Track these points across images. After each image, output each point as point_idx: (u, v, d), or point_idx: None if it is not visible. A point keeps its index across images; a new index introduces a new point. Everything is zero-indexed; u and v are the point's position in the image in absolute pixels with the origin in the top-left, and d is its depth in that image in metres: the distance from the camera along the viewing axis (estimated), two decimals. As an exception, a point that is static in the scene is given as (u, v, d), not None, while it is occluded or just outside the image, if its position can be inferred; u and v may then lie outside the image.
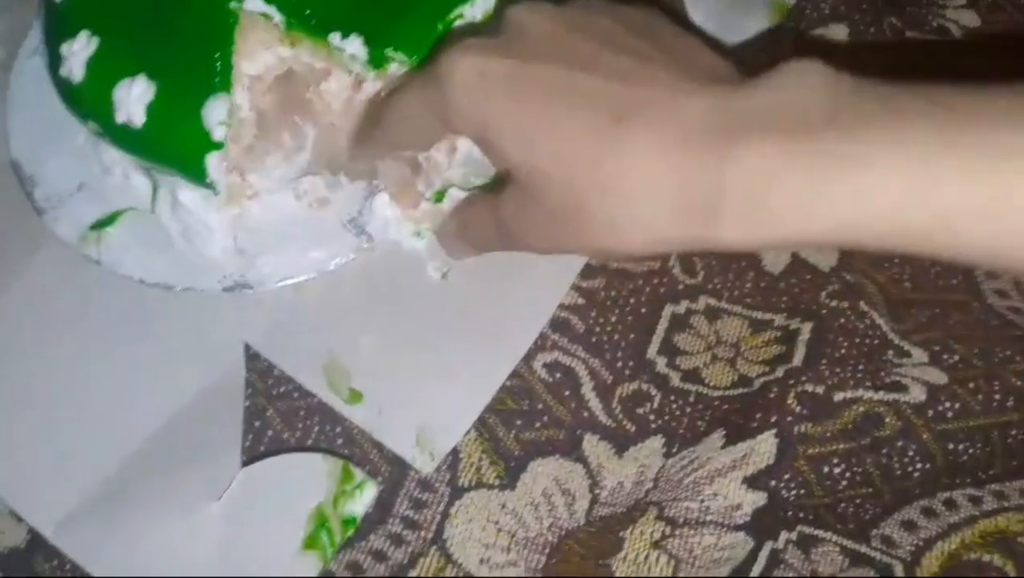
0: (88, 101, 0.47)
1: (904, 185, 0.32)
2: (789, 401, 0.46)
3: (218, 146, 0.45)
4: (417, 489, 0.45)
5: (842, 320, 0.48)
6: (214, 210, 0.48)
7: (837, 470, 0.45)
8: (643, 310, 0.49)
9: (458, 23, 0.47)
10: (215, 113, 0.45)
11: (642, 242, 0.37)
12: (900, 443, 0.45)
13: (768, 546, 0.44)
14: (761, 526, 0.44)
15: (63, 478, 0.45)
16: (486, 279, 0.49)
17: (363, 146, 0.48)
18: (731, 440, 0.45)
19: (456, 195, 0.50)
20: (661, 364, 0.48)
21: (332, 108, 0.49)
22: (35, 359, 0.48)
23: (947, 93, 0.33)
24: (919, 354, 0.47)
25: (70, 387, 0.47)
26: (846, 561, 0.43)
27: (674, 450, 0.46)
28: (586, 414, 0.47)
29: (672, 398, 0.47)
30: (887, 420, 0.45)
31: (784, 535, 0.44)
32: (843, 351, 0.47)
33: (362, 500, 0.45)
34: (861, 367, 0.47)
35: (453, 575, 0.43)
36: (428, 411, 0.46)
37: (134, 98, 0.45)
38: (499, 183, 0.41)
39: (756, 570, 0.43)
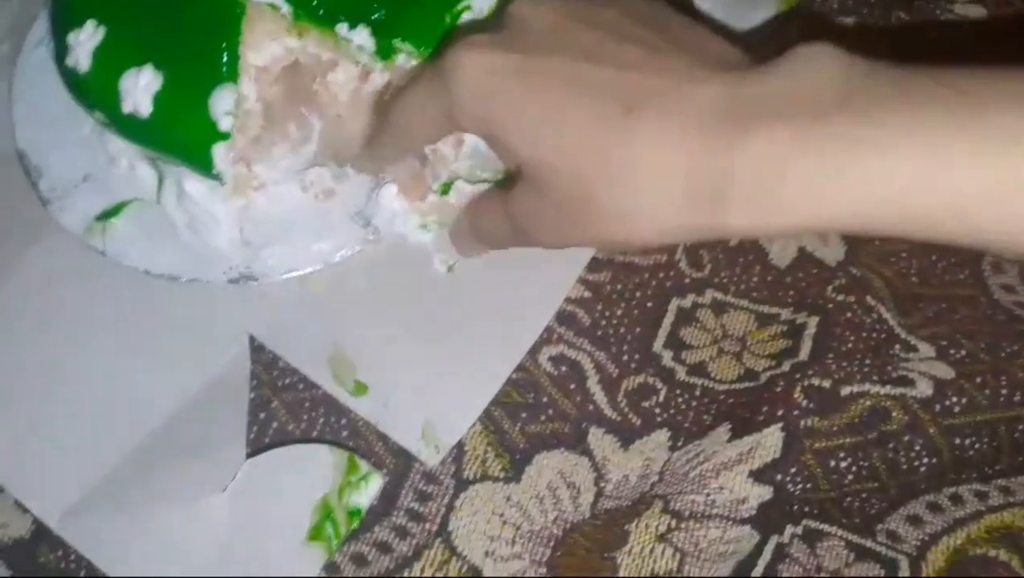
0: (94, 91, 0.47)
1: (915, 170, 0.32)
2: (795, 395, 0.46)
3: (224, 136, 0.45)
4: (422, 481, 0.45)
5: (849, 314, 0.48)
6: (220, 201, 0.48)
7: (843, 464, 0.45)
8: (649, 304, 0.49)
9: (465, 16, 0.47)
10: (222, 103, 0.45)
11: (653, 232, 0.37)
12: (906, 437, 0.45)
13: (773, 540, 0.44)
14: (767, 520, 0.44)
15: (68, 469, 0.45)
16: (492, 272, 0.49)
17: (374, 146, 0.48)
18: (737, 434, 0.45)
19: (462, 188, 0.49)
20: (667, 358, 0.48)
21: (339, 99, 0.49)
22: (40, 350, 0.48)
23: (957, 76, 0.33)
24: (926, 348, 0.47)
25: (74, 378, 0.47)
26: (851, 556, 0.43)
27: (680, 444, 0.46)
28: (591, 407, 0.47)
29: (678, 392, 0.47)
30: (893, 414, 0.45)
31: (789, 529, 0.44)
32: (850, 345, 0.47)
33: (367, 492, 0.45)
34: (868, 361, 0.47)
35: (458, 567, 0.43)
36: (434, 404, 0.46)
37: (141, 88, 0.45)
38: (509, 179, 0.41)
39: (761, 564, 0.43)
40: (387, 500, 0.45)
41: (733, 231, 0.35)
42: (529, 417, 0.46)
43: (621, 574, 0.43)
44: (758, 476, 0.44)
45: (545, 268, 0.48)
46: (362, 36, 0.46)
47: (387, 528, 0.44)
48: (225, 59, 0.45)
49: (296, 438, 0.46)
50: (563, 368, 0.47)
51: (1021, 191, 0.31)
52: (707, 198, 0.35)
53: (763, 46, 0.38)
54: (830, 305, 0.49)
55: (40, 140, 0.52)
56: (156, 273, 0.49)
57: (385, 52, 0.47)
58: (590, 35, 0.38)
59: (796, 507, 0.44)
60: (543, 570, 0.43)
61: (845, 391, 0.46)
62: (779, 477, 0.44)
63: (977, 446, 0.45)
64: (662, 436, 0.46)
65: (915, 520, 0.44)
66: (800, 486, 0.45)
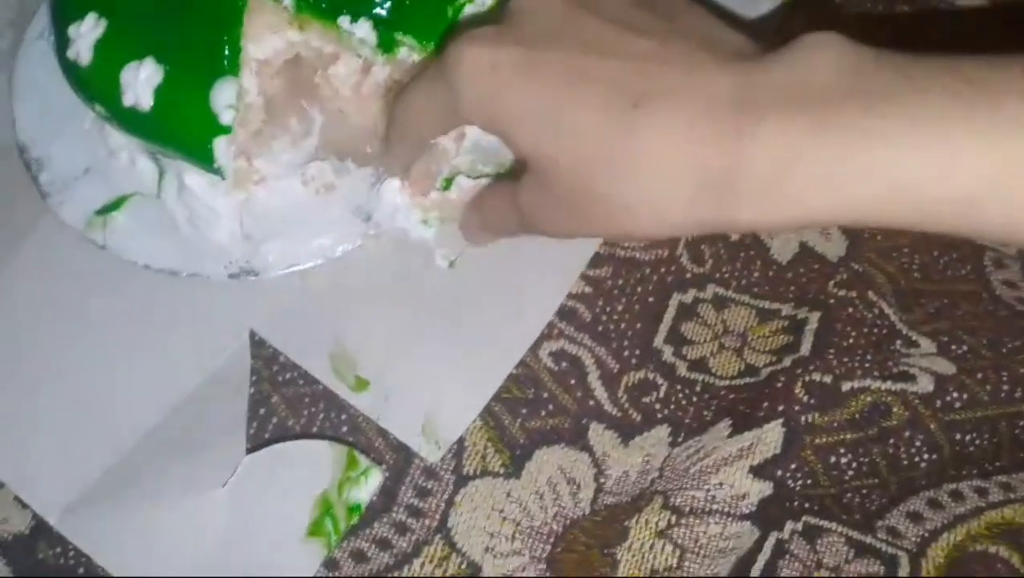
0: (95, 84, 0.47)
1: (922, 160, 0.32)
2: (796, 391, 0.46)
3: (225, 130, 0.45)
4: (422, 477, 0.45)
5: (850, 310, 0.48)
6: (221, 195, 0.48)
7: (844, 460, 0.45)
8: (650, 299, 0.49)
9: (467, 9, 0.46)
10: (223, 97, 0.45)
11: (662, 225, 0.37)
12: (907, 433, 0.45)
13: (774, 536, 0.44)
14: (767, 516, 0.44)
15: (68, 464, 0.45)
16: (494, 268, 0.49)
17: (390, 144, 0.48)
18: (737, 429, 0.45)
19: (464, 183, 0.49)
20: (668, 353, 0.48)
21: (340, 93, 0.49)
22: (39, 345, 0.48)
23: (964, 65, 0.32)
24: (927, 344, 0.47)
25: (74, 373, 0.47)
26: (851, 552, 0.43)
27: (680, 439, 0.46)
28: (592, 403, 0.47)
29: (679, 387, 0.47)
30: (894, 410, 0.45)
31: (790, 525, 0.44)
32: (851, 341, 0.47)
33: (367, 488, 0.45)
34: (869, 357, 0.46)
35: (457, 564, 0.43)
36: (434, 399, 0.46)
37: (142, 81, 0.45)
38: (517, 168, 0.41)
39: (761, 560, 0.43)
40: (387, 496, 0.45)
41: (742, 224, 0.35)
42: (529, 413, 0.46)
43: (621, 570, 0.43)
44: (758, 472, 0.44)
45: (547, 264, 0.48)
46: (364, 29, 0.46)
47: (387, 524, 0.44)
48: (226, 52, 0.45)
49: (296, 433, 0.46)
50: (564, 363, 0.47)
51: None
52: (716, 191, 0.35)
53: (770, 35, 0.38)
54: (831, 300, 0.49)
55: (41, 133, 0.52)
56: (156, 267, 0.49)
57: (387, 45, 0.46)
58: (595, 25, 0.38)
59: (796, 503, 0.44)
60: (543, 566, 0.43)
61: (846, 386, 0.46)
62: (779, 473, 0.44)
63: (978, 442, 0.45)
64: (662, 432, 0.46)
65: (915, 516, 0.44)
66: (800, 482, 0.45)
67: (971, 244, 0.50)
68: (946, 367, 0.46)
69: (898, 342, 0.47)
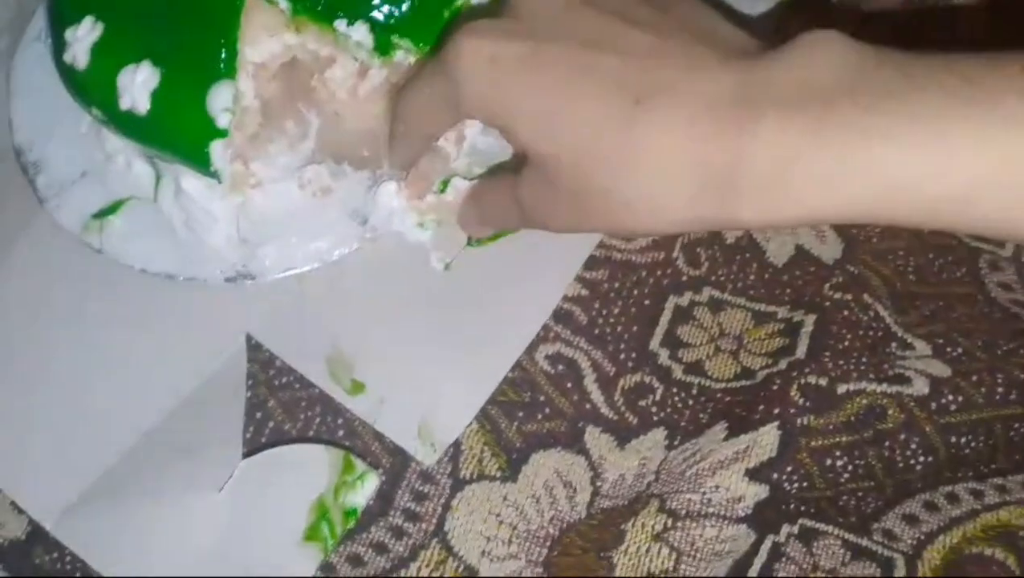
0: (92, 87, 0.47)
1: (922, 158, 0.32)
2: (792, 393, 0.46)
3: (222, 134, 0.45)
4: (418, 481, 0.45)
5: (845, 312, 0.48)
6: (217, 198, 0.48)
7: (839, 463, 0.45)
8: (646, 302, 0.49)
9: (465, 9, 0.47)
10: (219, 100, 0.45)
11: (661, 221, 0.37)
12: (903, 436, 0.45)
13: (770, 539, 0.44)
14: (763, 519, 0.44)
15: (64, 469, 0.45)
16: (489, 271, 0.49)
17: (393, 142, 0.48)
18: (733, 432, 0.45)
19: (460, 185, 0.49)
20: (664, 356, 0.48)
21: (337, 96, 0.49)
22: (35, 349, 0.48)
23: (962, 63, 0.33)
24: (922, 347, 0.47)
25: (70, 378, 0.47)
26: (847, 554, 0.43)
27: (676, 442, 0.46)
28: (588, 406, 0.47)
29: (675, 390, 0.47)
30: (890, 413, 0.45)
31: (786, 528, 0.44)
32: (846, 343, 0.47)
33: (363, 492, 0.45)
34: (864, 359, 0.47)
35: (454, 568, 0.43)
36: (430, 402, 0.46)
37: (138, 85, 0.45)
38: (517, 162, 0.41)
39: (757, 563, 0.43)
40: (383, 500, 0.45)
41: (742, 221, 0.35)
42: (526, 416, 0.46)
43: (617, 573, 0.43)
44: (754, 475, 0.44)
45: (542, 266, 0.49)
46: (360, 32, 0.46)
47: (383, 528, 0.44)
48: (223, 55, 0.45)
49: (292, 437, 0.46)
50: (560, 367, 0.47)
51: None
52: (716, 188, 0.35)
53: (769, 33, 0.38)
54: (827, 303, 0.49)
55: (37, 136, 0.52)
56: (153, 271, 0.49)
57: (384, 48, 0.46)
58: (596, 19, 0.38)
59: (792, 506, 0.44)
60: (539, 570, 0.43)
61: (841, 389, 0.46)
62: (775, 476, 0.44)
63: (973, 444, 0.45)
64: (658, 435, 0.46)
65: (911, 519, 0.44)
66: (796, 485, 0.45)
67: (966, 247, 0.50)
68: (941, 369, 0.46)
69: (893, 345, 0.47)
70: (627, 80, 0.36)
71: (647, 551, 0.43)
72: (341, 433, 0.46)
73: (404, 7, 0.46)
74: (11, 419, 0.46)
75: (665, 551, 0.43)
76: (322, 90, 0.49)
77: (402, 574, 0.43)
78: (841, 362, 0.47)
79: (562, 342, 0.48)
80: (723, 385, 0.47)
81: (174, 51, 0.45)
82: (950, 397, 0.45)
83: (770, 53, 0.36)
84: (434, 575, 0.43)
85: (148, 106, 0.45)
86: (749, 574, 0.43)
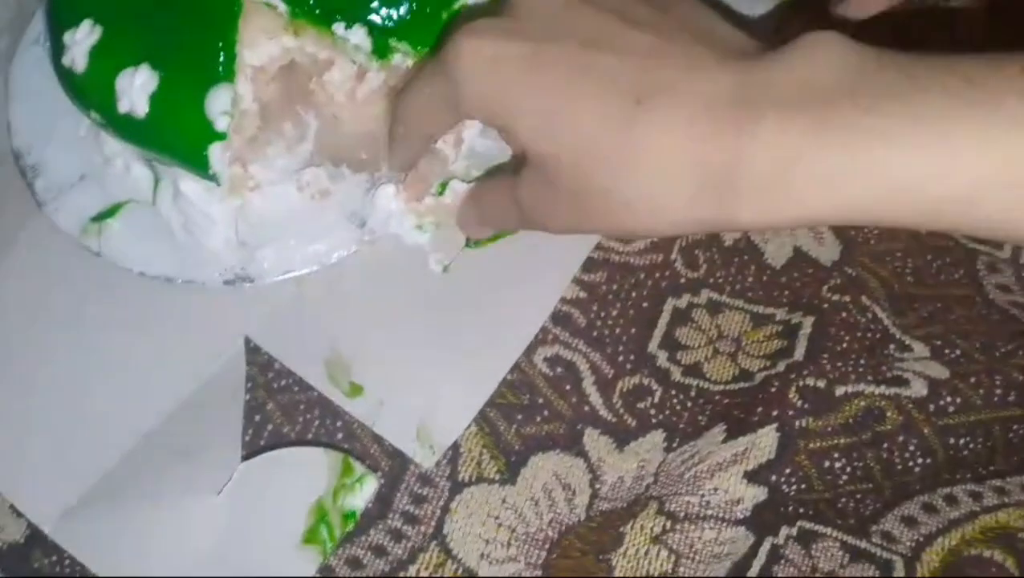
0: (90, 91, 0.46)
1: (923, 159, 0.32)
2: (790, 395, 0.46)
3: (221, 136, 0.45)
4: (417, 484, 0.45)
5: (843, 314, 0.48)
6: (216, 201, 0.48)
7: (838, 465, 0.45)
8: (644, 304, 0.49)
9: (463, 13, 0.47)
10: (218, 103, 0.45)
11: (661, 221, 0.37)
12: (901, 438, 0.45)
13: (768, 541, 0.44)
14: (761, 521, 0.44)
15: (62, 472, 0.45)
16: (488, 273, 0.49)
17: (393, 143, 0.47)
18: (732, 434, 0.45)
19: (458, 187, 0.49)
20: (662, 358, 0.48)
21: (335, 99, 0.49)
22: (34, 352, 0.48)
23: (964, 64, 0.33)
24: (920, 348, 0.47)
25: (69, 381, 0.47)
26: (846, 556, 0.43)
27: (675, 444, 0.46)
28: (587, 408, 0.47)
29: (673, 392, 0.47)
30: (888, 414, 0.45)
31: (784, 530, 0.44)
32: (844, 345, 0.47)
33: (362, 494, 0.44)
34: (862, 361, 0.47)
35: (453, 570, 0.43)
36: (429, 405, 0.46)
37: (137, 88, 0.45)
38: (516, 162, 0.41)
39: (756, 565, 0.43)
40: (382, 503, 0.45)
41: (741, 222, 0.35)
42: (524, 418, 0.46)
43: (616, 576, 0.43)
44: (753, 477, 0.44)
45: (540, 268, 0.49)
46: (359, 35, 0.46)
47: (382, 531, 0.44)
48: (222, 58, 0.45)
49: (291, 440, 0.46)
50: (558, 369, 0.47)
51: None
52: (716, 189, 0.35)
53: (769, 34, 0.38)
54: (825, 305, 0.49)
55: (36, 140, 0.52)
56: (151, 274, 0.49)
57: (382, 51, 0.46)
58: (595, 19, 0.38)
59: (791, 508, 0.44)
60: (538, 572, 0.43)
61: (840, 391, 0.46)
62: (774, 478, 0.44)
63: (972, 446, 0.45)
64: (657, 437, 0.46)
65: (910, 521, 0.44)
66: (795, 487, 0.45)
67: (964, 248, 0.50)
68: (939, 371, 0.46)
69: (891, 346, 0.47)
70: (627, 80, 0.36)
71: (646, 553, 0.43)
72: (340, 436, 0.46)
73: (402, 10, 0.46)
74: (10, 422, 0.46)
75: (664, 553, 0.43)
76: (320, 93, 0.49)
77: (401, 577, 0.43)
78: (839, 364, 0.47)
79: (560, 344, 0.48)
80: (721, 387, 0.47)
81: (173, 54, 0.45)
82: (948, 399, 0.45)
83: (770, 54, 0.36)
84: (433, 578, 0.43)
85: (147, 109, 0.45)
86: (748, 576, 0.43)
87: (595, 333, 0.48)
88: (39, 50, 0.53)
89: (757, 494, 0.44)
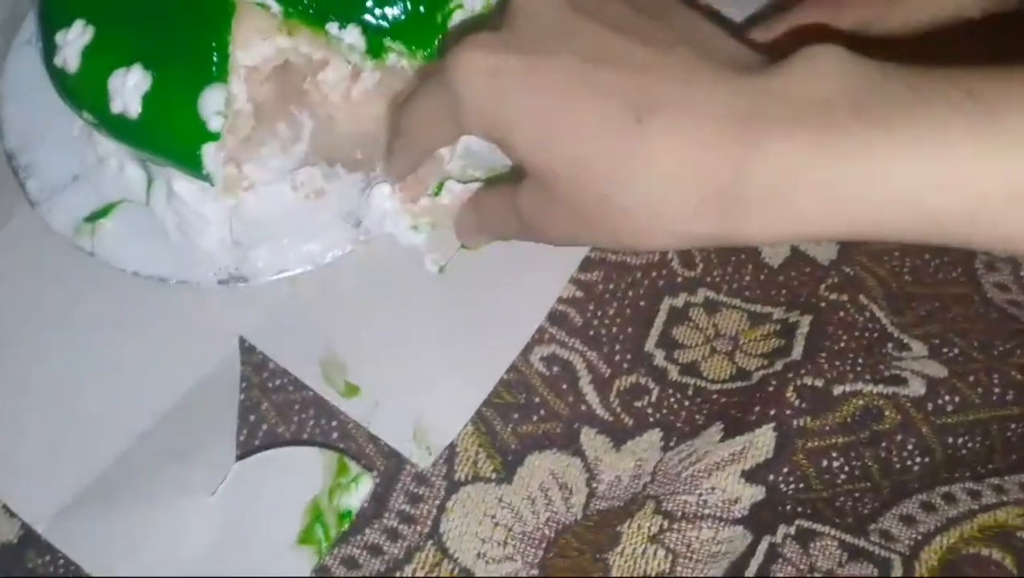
0: (83, 91, 0.46)
1: (926, 174, 0.32)
2: (788, 394, 0.46)
3: (214, 137, 0.45)
4: (413, 483, 0.45)
5: (841, 313, 0.48)
6: (210, 201, 0.48)
7: (836, 464, 0.45)
8: (641, 303, 0.49)
9: (456, 15, 0.47)
10: (211, 103, 0.45)
11: (661, 232, 0.36)
12: (899, 437, 0.45)
13: (766, 540, 0.44)
14: (759, 520, 0.44)
15: (56, 472, 0.45)
16: (484, 273, 0.49)
17: (393, 153, 0.47)
18: (729, 434, 0.45)
19: (454, 187, 0.49)
20: (659, 357, 0.48)
21: (329, 99, 0.48)
22: (27, 353, 0.48)
23: (966, 77, 0.32)
24: (919, 347, 0.47)
25: (63, 381, 0.47)
26: (844, 555, 0.43)
27: (672, 444, 0.46)
28: (584, 407, 0.46)
29: (670, 391, 0.47)
30: (886, 414, 0.45)
31: (782, 529, 0.44)
32: (842, 344, 0.47)
33: (357, 494, 0.44)
34: (860, 360, 0.46)
35: (449, 570, 0.43)
36: (425, 405, 0.46)
37: (129, 88, 0.44)
38: (518, 171, 0.41)
39: (754, 564, 0.43)
40: (378, 502, 0.45)
41: (747, 238, 0.35)
42: (521, 418, 0.46)
43: (613, 575, 0.43)
44: (750, 476, 0.44)
45: (537, 268, 0.48)
46: (353, 35, 0.46)
47: (378, 530, 0.44)
48: (215, 59, 0.45)
49: (286, 440, 0.46)
50: (555, 368, 0.47)
51: None
52: (721, 206, 0.34)
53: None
54: (823, 304, 0.49)
55: (29, 140, 0.52)
56: (145, 274, 0.49)
57: (376, 51, 0.46)
58: (595, 32, 0.38)
59: (789, 507, 0.44)
60: (535, 572, 0.43)
61: (838, 390, 0.46)
62: (771, 477, 0.44)
63: (970, 445, 0.45)
64: (654, 436, 0.46)
65: (908, 519, 0.44)
66: (793, 486, 0.44)
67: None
68: (937, 370, 0.46)
69: (889, 345, 0.47)
70: (628, 96, 0.36)
71: (643, 553, 0.43)
72: (335, 436, 0.46)
73: (396, 10, 0.46)
74: (3, 422, 0.46)
75: (661, 553, 0.43)
76: (315, 93, 0.49)
77: (397, 576, 0.43)
78: (837, 363, 0.47)
79: (557, 344, 0.48)
80: (719, 386, 0.47)
81: (165, 54, 0.45)
82: (947, 398, 0.45)
83: (771, 67, 0.35)
84: (429, 577, 0.43)
85: (139, 109, 0.45)
86: (746, 575, 0.43)
87: (592, 332, 0.48)
88: (31, 50, 0.52)
89: (755, 493, 0.44)
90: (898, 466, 0.45)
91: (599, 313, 0.48)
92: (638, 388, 0.47)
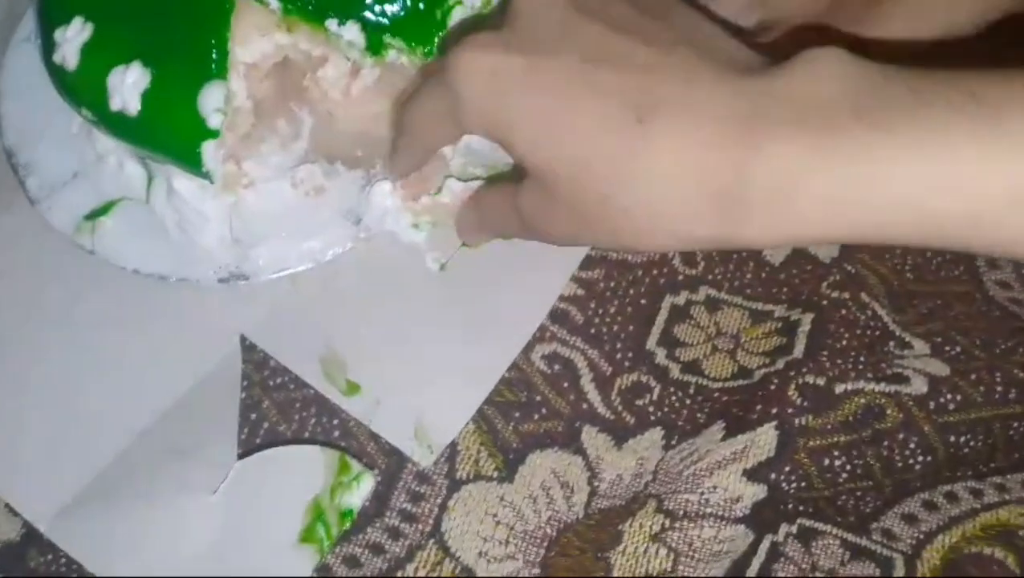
0: (82, 88, 0.46)
1: (928, 177, 0.31)
2: (790, 393, 0.46)
3: (214, 134, 0.45)
4: (415, 482, 0.45)
5: (843, 311, 0.48)
6: (210, 199, 0.48)
7: (838, 463, 0.45)
8: (643, 301, 0.49)
9: (456, 11, 0.46)
10: (211, 100, 0.45)
11: (661, 231, 0.36)
12: (901, 435, 0.45)
13: (768, 539, 0.44)
14: (761, 519, 0.44)
15: (57, 471, 0.45)
16: (485, 270, 0.49)
17: (396, 153, 0.47)
18: (731, 432, 0.45)
19: (454, 185, 0.49)
20: (661, 355, 0.48)
21: (329, 96, 0.48)
22: (28, 351, 0.48)
23: (968, 79, 0.32)
24: (921, 345, 0.47)
25: (63, 379, 0.47)
26: (846, 554, 0.43)
27: (673, 442, 0.46)
28: (585, 406, 0.46)
29: (672, 390, 0.47)
30: (888, 412, 0.45)
31: (784, 528, 0.44)
32: (844, 342, 0.47)
33: (359, 493, 0.44)
34: (862, 358, 0.46)
35: (451, 568, 0.43)
36: (426, 403, 0.46)
37: (129, 85, 0.44)
38: (519, 170, 0.41)
39: (756, 563, 0.43)
40: (379, 501, 0.44)
41: (747, 240, 0.35)
42: (522, 416, 0.46)
43: (615, 574, 0.43)
44: (752, 475, 0.44)
45: (538, 266, 0.48)
46: (352, 32, 0.46)
47: (380, 529, 0.44)
48: (214, 56, 0.45)
49: (287, 438, 0.46)
50: (556, 366, 0.47)
51: None
52: (722, 207, 0.34)
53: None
54: (824, 302, 0.49)
55: (28, 138, 0.52)
56: (145, 272, 0.49)
57: (376, 48, 0.46)
58: (596, 32, 0.38)
59: (791, 506, 0.44)
60: (536, 570, 0.43)
61: (839, 389, 0.46)
62: (773, 476, 0.44)
63: (972, 443, 0.45)
64: (656, 434, 0.46)
65: (910, 518, 0.44)
66: (794, 485, 0.44)
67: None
68: (939, 368, 0.46)
69: (891, 343, 0.47)
70: (629, 96, 0.36)
71: (645, 552, 0.43)
72: (336, 434, 0.46)
73: (395, 7, 0.46)
74: (4, 420, 0.46)
75: (663, 552, 0.43)
76: (315, 89, 0.49)
77: (399, 575, 0.43)
78: (839, 361, 0.47)
79: (558, 342, 0.48)
80: (720, 384, 0.47)
81: (165, 51, 0.45)
82: (949, 396, 0.45)
83: (772, 69, 0.35)
84: (431, 576, 0.43)
85: (139, 107, 0.45)
86: (747, 574, 0.43)
87: (593, 330, 0.48)
88: (30, 48, 0.52)
89: (756, 492, 0.44)
90: (900, 465, 0.45)
91: (600, 311, 0.48)
92: (639, 386, 0.47)
